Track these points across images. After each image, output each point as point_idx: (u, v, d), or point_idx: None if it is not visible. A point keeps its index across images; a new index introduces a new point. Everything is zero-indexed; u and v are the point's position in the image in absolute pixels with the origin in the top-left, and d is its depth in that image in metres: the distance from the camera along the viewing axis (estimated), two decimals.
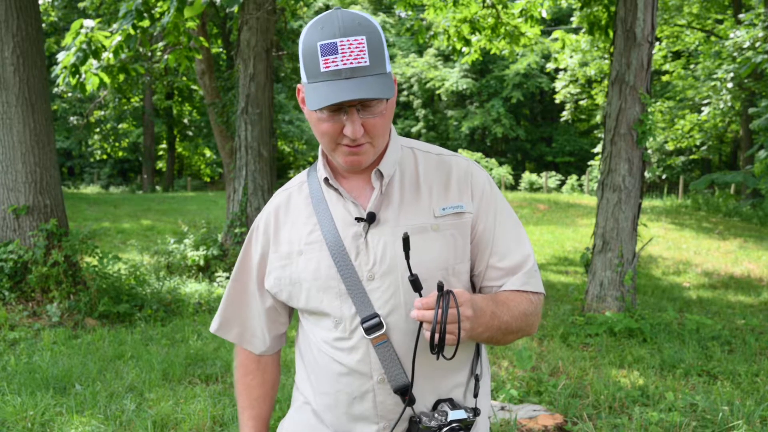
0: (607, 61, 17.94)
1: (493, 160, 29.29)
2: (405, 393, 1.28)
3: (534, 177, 28.85)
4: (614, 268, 5.96)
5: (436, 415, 1.28)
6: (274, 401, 1.58)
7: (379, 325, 1.27)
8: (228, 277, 7.77)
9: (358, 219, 1.31)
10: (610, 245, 5.99)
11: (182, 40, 6.89)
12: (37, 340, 5.30)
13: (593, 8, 8.25)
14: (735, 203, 17.10)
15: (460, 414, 1.27)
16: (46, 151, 6.13)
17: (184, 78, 17.66)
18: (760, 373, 4.66)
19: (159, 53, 10.18)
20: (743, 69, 10.37)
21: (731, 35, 16.18)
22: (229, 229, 8.41)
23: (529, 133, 34.89)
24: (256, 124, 8.19)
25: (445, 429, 1.25)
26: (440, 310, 1.13)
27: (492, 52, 10.81)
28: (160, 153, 31.15)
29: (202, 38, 8.54)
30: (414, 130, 34.84)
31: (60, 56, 6.24)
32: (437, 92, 33.89)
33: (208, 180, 32.64)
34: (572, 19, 12.67)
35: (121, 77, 7.06)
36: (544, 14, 9.81)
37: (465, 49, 10.52)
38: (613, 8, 7.58)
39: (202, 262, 8.10)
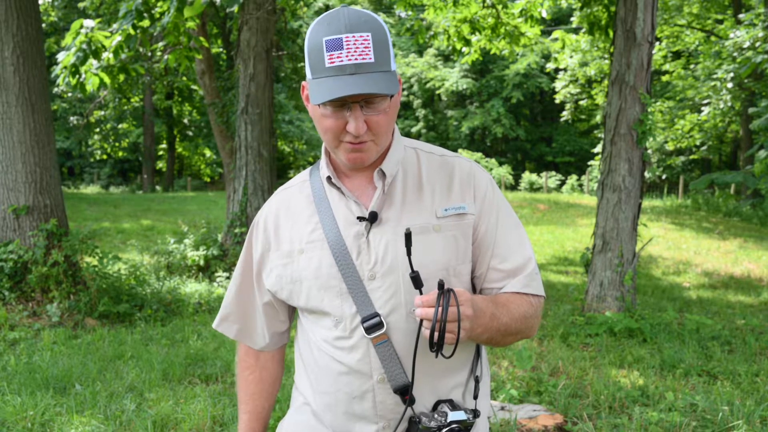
0: (607, 61, 17.94)
1: (493, 160, 29.29)
2: (405, 393, 1.28)
3: (534, 177, 28.85)
4: (614, 268, 5.96)
5: (435, 415, 1.28)
6: (273, 399, 1.58)
7: (380, 325, 1.27)
8: (228, 277, 7.78)
9: (360, 218, 1.31)
10: (610, 245, 5.99)
11: (182, 40, 6.89)
12: (37, 340, 5.30)
13: (593, 8, 8.25)
14: (735, 203, 17.10)
15: (460, 415, 1.27)
16: (46, 151, 6.13)
17: (184, 78, 17.66)
18: (760, 373, 4.66)
19: (159, 53, 10.18)
20: (743, 69, 10.37)
21: (731, 35, 16.18)
22: (229, 229, 8.41)
23: (529, 133, 34.90)
24: (256, 124, 8.19)
25: (444, 430, 1.25)
26: (440, 308, 1.13)
27: (492, 52, 10.82)
28: (160, 153, 31.15)
29: (202, 38, 8.54)
30: (414, 130, 34.85)
31: (60, 56, 6.24)
32: (437, 92, 33.90)
33: (208, 180, 32.64)
34: (572, 19, 12.67)
35: (121, 77, 7.06)
36: (544, 14, 9.81)
37: (465, 49, 10.52)
38: (613, 8, 7.58)
39: (202, 262, 8.10)
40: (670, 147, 22.97)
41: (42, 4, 16.25)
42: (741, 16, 15.76)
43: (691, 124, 20.83)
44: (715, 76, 18.31)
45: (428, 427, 1.25)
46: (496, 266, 1.35)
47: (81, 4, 21.02)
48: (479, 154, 29.66)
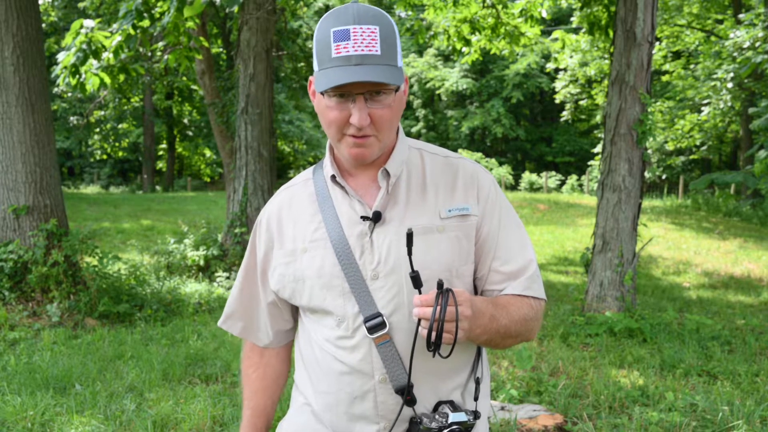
0: (607, 61, 17.94)
1: (493, 160, 29.29)
2: (406, 393, 1.28)
3: (534, 177, 28.85)
4: (614, 268, 5.96)
5: (436, 416, 1.28)
6: (277, 396, 1.58)
7: (382, 325, 1.27)
8: (228, 277, 7.79)
9: (364, 218, 1.31)
10: (610, 245, 5.99)
11: (182, 40, 6.89)
12: (37, 340, 5.30)
13: (593, 8, 8.25)
14: (735, 203, 17.09)
15: (460, 416, 1.27)
16: (46, 151, 6.13)
17: (184, 78, 17.65)
18: (760, 373, 4.66)
19: (159, 53, 10.18)
20: (743, 69, 10.37)
21: (731, 35, 16.17)
22: (229, 229, 8.41)
23: (529, 133, 34.90)
24: (256, 124, 8.19)
25: (445, 431, 1.25)
26: (439, 308, 1.13)
27: (492, 52, 10.82)
28: (160, 153, 31.15)
29: (202, 38, 8.54)
30: (414, 130, 34.85)
31: (60, 56, 6.24)
32: (437, 92, 33.90)
33: (208, 180, 32.64)
34: (572, 19, 12.67)
35: (122, 77, 7.06)
36: (544, 14, 9.81)
37: (465, 49, 10.52)
38: (613, 8, 7.58)
39: (202, 262, 8.10)
40: (670, 147, 22.97)
41: (42, 4, 16.25)
42: (741, 16, 15.76)
43: (691, 124, 20.83)
44: (715, 76, 18.31)
45: (429, 428, 1.25)
46: (498, 268, 1.35)
47: (81, 4, 21.02)
48: (479, 154, 29.66)
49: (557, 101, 25.74)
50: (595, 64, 20.95)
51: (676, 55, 23.06)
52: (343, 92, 1.22)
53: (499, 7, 10.03)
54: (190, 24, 7.39)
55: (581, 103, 24.35)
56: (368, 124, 1.23)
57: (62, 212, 6.28)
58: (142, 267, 7.07)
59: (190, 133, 29.23)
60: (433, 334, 1.14)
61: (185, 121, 28.65)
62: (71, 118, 25.16)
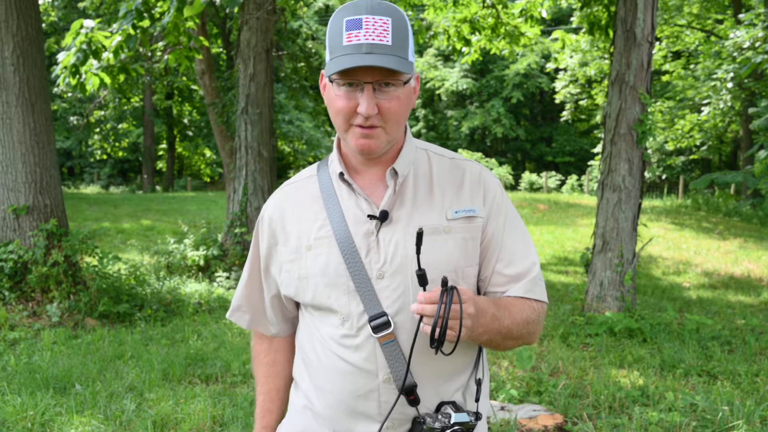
0: (607, 61, 17.94)
1: (493, 160, 29.29)
2: (410, 393, 1.28)
3: (534, 177, 28.84)
4: (614, 268, 5.96)
5: (439, 416, 1.28)
6: (289, 379, 1.56)
7: (387, 324, 1.27)
8: (228, 277, 7.79)
9: (371, 216, 1.31)
10: (610, 245, 5.99)
11: (182, 40, 6.89)
12: (37, 340, 5.30)
13: (593, 8, 8.25)
14: (735, 203, 17.09)
15: (463, 417, 1.27)
16: (46, 151, 6.13)
17: (184, 78, 17.66)
18: (760, 373, 4.66)
19: (159, 53, 10.18)
20: (743, 69, 10.37)
21: (731, 35, 16.17)
22: (229, 229, 8.41)
23: (529, 133, 34.89)
24: (256, 124, 8.19)
25: (447, 431, 1.25)
26: (443, 305, 1.12)
27: (492, 52, 10.81)
28: (160, 153, 31.14)
29: (202, 38, 8.54)
30: (414, 130, 34.85)
31: (60, 56, 6.24)
32: (437, 92, 33.90)
33: (208, 180, 32.63)
34: (572, 19, 12.67)
35: (122, 77, 7.06)
36: (544, 14, 9.81)
37: (465, 49, 10.52)
38: (613, 8, 7.58)
39: (202, 262, 8.10)
40: (670, 147, 22.97)
41: (42, 4, 16.24)
42: (741, 16, 15.76)
43: (691, 124, 20.83)
44: (715, 76, 18.30)
45: (432, 428, 1.26)
46: (501, 270, 1.35)
47: (81, 4, 21.01)
48: (479, 154, 29.66)
49: (557, 101, 25.73)
50: (595, 64, 20.95)
51: (676, 55, 23.06)
52: (352, 81, 1.22)
53: (499, 7, 10.03)
54: (190, 24, 7.39)
55: (581, 103, 24.35)
56: (375, 113, 1.23)
57: (62, 212, 6.28)
58: (142, 267, 7.07)
59: (190, 133, 29.22)
60: (437, 331, 1.13)
61: (185, 121, 28.63)
62: (71, 118, 25.16)
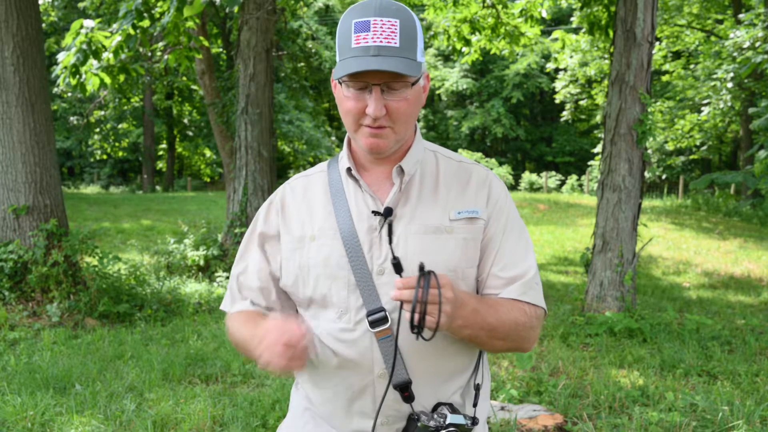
0: (607, 61, 17.94)
1: (493, 160, 29.28)
2: (405, 389, 1.28)
3: (534, 177, 28.84)
4: (614, 268, 5.96)
5: (435, 416, 1.28)
6: None
7: (384, 320, 1.28)
8: (227, 278, 7.78)
9: (375, 212, 1.32)
10: (610, 245, 5.99)
11: (182, 40, 6.89)
12: (37, 340, 5.30)
13: (593, 8, 8.25)
14: (735, 203, 17.09)
15: (458, 419, 1.27)
16: (46, 151, 6.13)
17: (184, 78, 17.66)
18: (760, 373, 4.66)
19: (159, 53, 10.18)
20: (743, 69, 10.36)
21: (731, 35, 16.17)
22: (229, 229, 8.41)
23: (529, 133, 34.89)
24: (256, 124, 8.19)
25: (442, 431, 1.25)
26: (421, 289, 1.13)
27: (492, 52, 10.81)
28: (160, 153, 31.13)
29: (202, 38, 8.54)
30: None
31: (60, 56, 6.24)
32: (437, 92, 33.89)
33: (208, 180, 32.62)
34: (572, 19, 12.67)
35: (122, 77, 7.06)
36: (544, 14, 9.81)
37: (465, 49, 10.52)
38: (613, 8, 7.58)
39: (202, 262, 8.10)
40: (670, 147, 22.97)
41: (42, 4, 16.23)
42: (741, 16, 15.76)
43: (691, 124, 20.82)
44: (715, 76, 18.30)
45: (426, 426, 1.26)
46: (497, 273, 1.35)
47: (81, 4, 21.01)
48: (479, 154, 29.65)
49: (557, 101, 25.73)
50: (595, 64, 20.95)
51: (676, 55, 23.06)
52: (361, 83, 1.23)
53: (499, 7, 10.03)
54: (190, 24, 7.39)
55: (581, 103, 24.36)
56: (383, 115, 1.25)
57: (62, 212, 6.28)
58: (142, 267, 7.07)
59: (190, 133, 29.22)
60: (416, 316, 1.13)
61: (185, 121, 28.63)
62: (71, 118, 25.15)
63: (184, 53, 7.31)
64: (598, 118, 24.97)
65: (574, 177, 27.30)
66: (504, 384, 4.31)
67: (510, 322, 1.30)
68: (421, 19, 11.35)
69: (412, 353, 1.29)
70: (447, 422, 1.25)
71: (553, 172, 29.66)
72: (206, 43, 9.04)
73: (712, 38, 20.26)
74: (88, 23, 6.07)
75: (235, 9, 7.20)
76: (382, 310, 1.28)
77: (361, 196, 1.35)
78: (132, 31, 5.97)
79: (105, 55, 6.29)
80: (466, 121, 33.00)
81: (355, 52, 1.22)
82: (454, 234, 1.32)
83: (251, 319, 1.38)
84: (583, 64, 21.49)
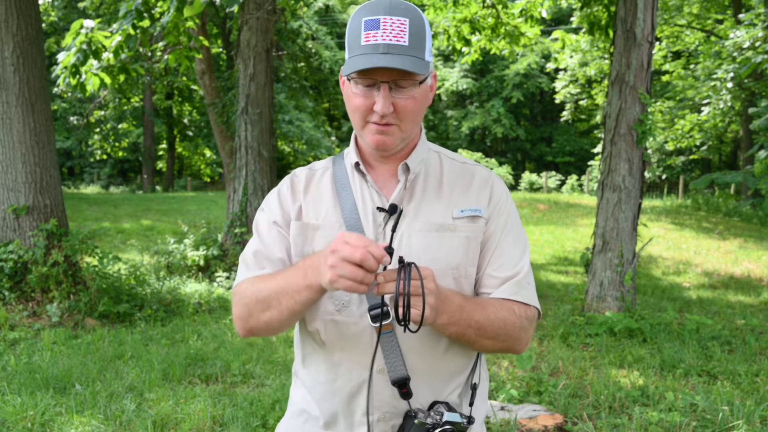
0: (607, 61, 17.94)
1: (493, 160, 29.27)
2: (403, 386, 1.28)
3: (534, 177, 28.84)
4: (614, 268, 5.96)
5: (431, 413, 1.28)
6: None
7: (386, 315, 1.28)
8: (228, 278, 7.78)
9: (380, 209, 1.33)
10: (610, 245, 5.99)
11: (182, 40, 6.89)
12: (37, 340, 5.30)
13: (593, 8, 8.25)
14: (735, 203, 17.09)
15: (455, 417, 1.27)
16: (46, 151, 6.13)
17: (184, 78, 17.65)
18: (760, 373, 4.66)
19: (159, 53, 10.18)
20: (743, 69, 10.36)
21: (731, 35, 16.17)
22: (229, 229, 8.41)
23: (529, 133, 34.88)
24: (256, 124, 8.19)
25: (438, 429, 1.25)
26: (402, 281, 1.13)
27: (492, 52, 10.81)
28: (160, 153, 31.13)
29: (202, 38, 8.54)
30: None
31: (60, 56, 6.24)
32: (437, 92, 33.90)
33: (208, 180, 32.62)
34: (572, 19, 12.67)
35: (122, 77, 7.06)
36: (544, 14, 9.81)
37: (465, 49, 10.51)
38: (613, 8, 7.58)
39: (202, 262, 8.10)
40: (670, 147, 22.96)
41: (42, 4, 16.22)
42: (741, 16, 15.76)
43: (691, 124, 20.82)
44: (715, 76, 18.30)
45: (423, 423, 1.26)
46: (491, 273, 1.36)
47: (81, 4, 21.01)
48: (479, 154, 29.64)
49: (557, 101, 25.73)
50: (595, 64, 20.95)
51: (676, 55, 23.05)
52: (369, 80, 1.25)
53: (499, 7, 10.03)
54: (190, 24, 7.39)
55: (581, 103, 24.36)
56: (391, 112, 1.26)
57: (62, 212, 6.28)
58: (142, 267, 7.07)
59: (190, 133, 29.21)
60: (400, 310, 1.13)
61: (185, 121, 28.63)
62: (71, 118, 25.15)
63: (184, 53, 7.31)
64: (598, 118, 24.97)
65: (574, 177, 27.29)
66: (504, 384, 4.31)
67: (498, 321, 1.30)
68: None
69: (412, 351, 1.30)
70: (443, 420, 1.26)
71: (553, 172, 29.65)
72: (206, 43, 9.04)
73: (712, 38, 20.25)
74: (88, 23, 6.07)
75: (235, 9, 7.19)
76: (385, 305, 1.28)
77: (367, 191, 1.36)
78: (132, 31, 5.97)
79: (105, 55, 6.29)
80: (466, 121, 33.00)
81: (365, 49, 1.23)
82: (457, 232, 1.34)
83: (281, 270, 1.32)
84: (583, 64, 21.49)
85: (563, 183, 28.05)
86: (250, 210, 8.24)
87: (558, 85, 24.17)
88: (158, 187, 28.05)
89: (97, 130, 26.85)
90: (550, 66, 20.58)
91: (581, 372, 4.64)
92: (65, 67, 6.20)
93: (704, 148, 22.95)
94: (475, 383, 1.40)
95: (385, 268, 1.20)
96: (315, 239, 1.36)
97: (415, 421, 1.27)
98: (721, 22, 20.65)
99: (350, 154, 1.41)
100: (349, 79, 1.28)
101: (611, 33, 7.04)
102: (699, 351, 5.20)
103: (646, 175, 7.32)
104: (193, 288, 7.28)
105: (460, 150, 31.57)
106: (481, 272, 1.37)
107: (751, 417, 3.70)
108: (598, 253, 6.08)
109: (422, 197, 1.36)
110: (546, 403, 4.00)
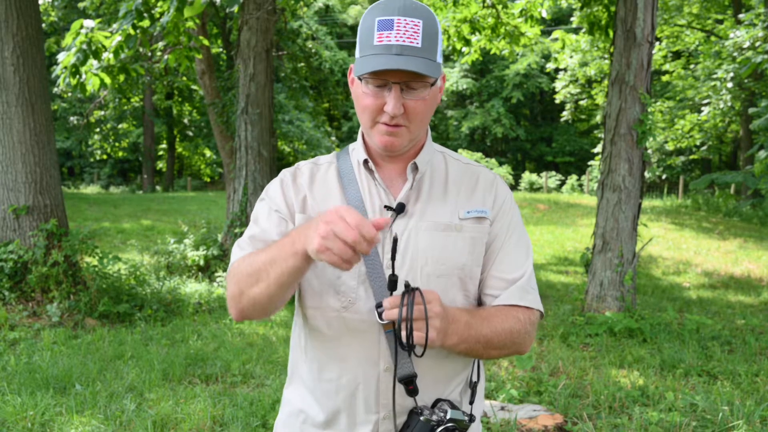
0: (607, 61, 17.93)
1: (493, 160, 29.26)
2: (410, 383, 1.28)
3: (534, 177, 28.83)
4: (614, 268, 5.96)
5: (436, 410, 1.29)
6: None
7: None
8: None
9: (388, 207, 1.33)
10: (610, 245, 5.99)
11: (182, 40, 6.89)
12: (37, 340, 5.30)
13: (593, 8, 8.25)
14: (735, 203, 17.08)
15: (458, 414, 1.28)
16: (46, 151, 6.13)
17: (184, 78, 17.64)
18: (760, 373, 4.66)
19: (159, 53, 10.18)
20: (743, 69, 10.37)
21: (731, 35, 16.17)
22: (229, 229, 8.41)
23: (529, 133, 34.88)
24: (256, 124, 8.19)
25: (442, 427, 1.26)
26: (405, 307, 1.14)
27: (492, 52, 10.81)
28: (160, 153, 31.13)
29: (202, 38, 8.53)
30: None
31: (60, 56, 6.24)
32: None
33: (208, 180, 32.62)
34: (572, 19, 12.67)
35: (122, 77, 7.06)
36: (544, 14, 9.81)
37: (465, 49, 10.51)
38: (613, 8, 7.58)
39: (202, 262, 8.10)
40: (670, 147, 22.95)
41: (42, 4, 16.21)
42: (741, 16, 15.75)
43: (691, 124, 20.82)
44: (715, 76, 18.30)
45: (429, 420, 1.27)
46: (496, 274, 1.37)
47: (81, 4, 21.01)
48: (479, 154, 29.63)
49: (557, 101, 25.73)
50: (595, 64, 20.95)
51: (676, 55, 23.05)
52: (381, 80, 1.24)
53: (499, 7, 10.03)
54: (190, 24, 7.39)
55: (581, 103, 24.35)
56: (401, 113, 1.26)
57: (62, 212, 6.28)
58: (142, 267, 7.07)
59: (190, 133, 29.21)
60: (403, 334, 1.14)
61: (185, 121, 28.62)
62: (71, 118, 25.14)
63: (184, 53, 7.31)
64: (598, 118, 24.96)
65: (574, 177, 27.29)
66: (504, 384, 4.31)
67: (505, 331, 1.31)
68: None
69: (418, 346, 1.29)
70: (448, 417, 1.27)
71: (553, 172, 29.64)
72: (206, 43, 9.04)
73: (712, 38, 20.25)
74: (88, 23, 6.07)
75: (235, 9, 7.19)
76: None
77: (374, 188, 1.36)
78: (132, 31, 5.97)
79: (105, 55, 6.29)
80: (466, 121, 33.00)
81: (378, 49, 1.23)
82: (463, 232, 1.34)
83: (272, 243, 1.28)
84: (583, 64, 21.49)
85: (563, 183, 28.04)
86: (250, 210, 8.24)
87: (558, 85, 24.16)
88: (158, 187, 28.05)
89: (97, 130, 26.85)
90: (550, 66, 20.58)
91: (581, 372, 4.64)
92: (65, 67, 6.19)
93: (704, 148, 22.95)
94: (474, 381, 1.40)
95: (391, 291, 1.20)
96: None
97: (421, 418, 1.27)
98: (721, 22, 20.65)
99: (357, 151, 1.40)
100: (360, 79, 1.28)
101: (611, 33, 7.04)
102: (699, 351, 5.20)
103: (646, 175, 7.33)
104: (193, 288, 7.28)
105: (460, 150, 31.57)
106: (485, 273, 1.37)
107: (751, 417, 3.70)
108: (598, 253, 6.08)
109: (428, 197, 1.36)
110: (546, 403, 4.00)
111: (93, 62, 6.38)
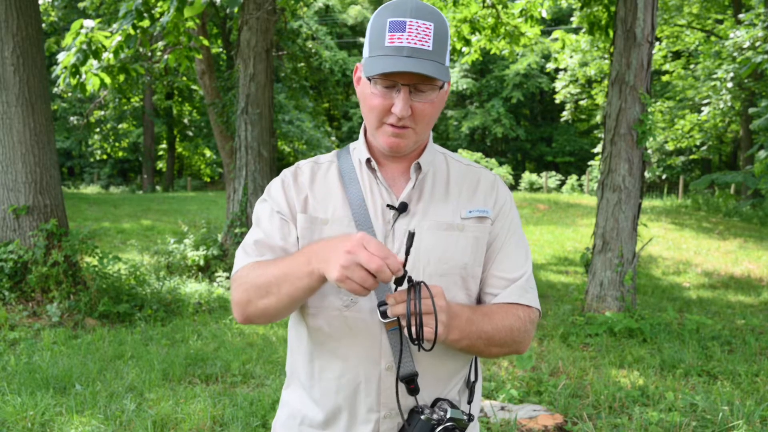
0: (607, 61, 17.93)
1: (493, 160, 29.22)
2: (411, 382, 1.29)
3: (534, 177, 28.82)
4: (614, 268, 5.96)
5: (436, 409, 1.30)
6: None
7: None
8: (228, 278, 7.77)
9: (390, 206, 1.33)
10: (610, 245, 5.99)
11: (182, 40, 6.89)
12: (37, 340, 5.30)
13: (593, 8, 8.25)
14: (735, 203, 17.08)
15: (458, 414, 1.29)
16: (46, 151, 6.13)
17: (184, 78, 17.65)
18: (760, 373, 4.66)
19: (159, 53, 10.18)
20: (743, 69, 10.37)
21: (731, 35, 16.17)
22: (229, 229, 8.41)
23: (529, 133, 34.88)
24: (256, 124, 8.19)
25: (442, 426, 1.26)
26: (413, 301, 1.14)
27: (492, 52, 10.81)
28: (160, 153, 31.13)
29: (202, 38, 8.53)
30: None
31: (60, 56, 6.24)
32: None
33: (208, 180, 32.62)
34: (572, 19, 12.67)
35: (122, 77, 7.06)
36: (544, 14, 9.81)
37: (465, 49, 10.51)
38: (613, 8, 7.58)
39: (202, 262, 8.10)
40: (670, 147, 22.95)
41: (42, 4, 16.22)
42: (741, 16, 15.75)
43: (691, 124, 20.81)
44: (715, 76, 18.30)
45: (430, 419, 1.27)
46: (496, 273, 1.38)
47: (81, 4, 21.01)
48: (479, 154, 29.61)
49: (557, 101, 25.73)
50: (595, 64, 20.95)
51: (676, 55, 23.05)
52: (390, 81, 1.25)
53: (499, 7, 10.03)
54: (190, 24, 7.39)
55: (581, 103, 24.35)
56: (409, 115, 1.26)
57: (62, 212, 6.28)
58: (142, 267, 7.07)
59: (190, 133, 29.21)
60: (413, 329, 1.14)
61: (185, 121, 28.62)
62: (71, 118, 25.15)
63: (184, 53, 7.31)
64: (598, 118, 24.96)
65: (574, 177, 27.28)
66: (504, 384, 4.31)
67: (505, 329, 1.32)
68: None
69: (415, 349, 1.29)
70: (448, 416, 1.27)
71: (553, 172, 29.64)
72: (206, 43, 9.04)
73: (712, 38, 20.25)
74: (88, 23, 6.07)
75: (235, 9, 7.19)
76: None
77: (376, 187, 1.36)
78: (132, 31, 5.97)
79: (105, 55, 6.29)
80: (466, 121, 32.99)
81: (389, 51, 1.23)
82: (465, 232, 1.35)
83: (282, 257, 1.28)
84: (583, 64, 21.49)
85: (563, 183, 28.04)
86: (250, 210, 8.24)
87: (558, 85, 24.16)
88: (158, 187, 28.06)
89: (97, 130, 26.85)
90: (550, 66, 20.57)
91: (581, 372, 4.64)
92: (65, 67, 6.19)
93: (704, 148, 22.94)
94: (473, 381, 1.41)
95: (397, 287, 1.18)
96: (324, 234, 1.34)
97: (422, 417, 1.27)
98: (721, 22, 20.65)
99: (359, 150, 1.40)
100: (368, 79, 1.27)
101: (611, 33, 7.04)
102: (699, 351, 5.20)
103: (646, 175, 7.32)
104: (193, 288, 7.28)
105: (460, 150, 31.58)
106: (485, 272, 1.38)
107: (751, 417, 3.70)
108: (598, 253, 6.08)
109: (431, 197, 1.37)
110: (546, 403, 4.00)
111: (93, 62, 6.38)
